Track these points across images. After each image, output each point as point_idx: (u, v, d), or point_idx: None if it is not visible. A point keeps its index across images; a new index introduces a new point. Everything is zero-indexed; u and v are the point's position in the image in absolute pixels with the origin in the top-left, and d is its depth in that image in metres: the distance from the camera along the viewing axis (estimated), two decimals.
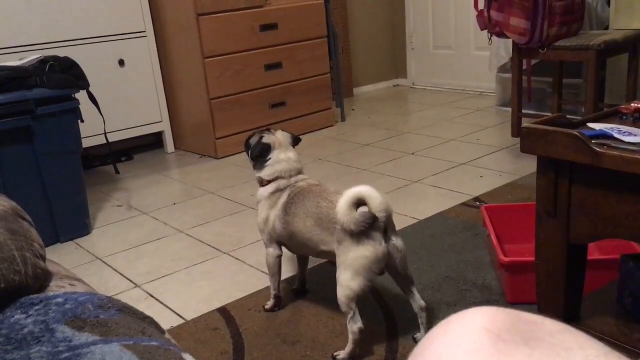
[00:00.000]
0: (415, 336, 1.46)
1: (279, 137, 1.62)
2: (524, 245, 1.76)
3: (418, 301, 1.43)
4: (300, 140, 1.70)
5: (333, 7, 3.88)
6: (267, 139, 1.61)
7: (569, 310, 1.22)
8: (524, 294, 1.50)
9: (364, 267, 1.33)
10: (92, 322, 0.69)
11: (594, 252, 1.71)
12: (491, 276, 1.74)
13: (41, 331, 0.67)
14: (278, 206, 1.55)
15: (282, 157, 1.60)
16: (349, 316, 1.36)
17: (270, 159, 1.60)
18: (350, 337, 1.37)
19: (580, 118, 1.24)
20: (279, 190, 1.57)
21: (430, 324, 1.44)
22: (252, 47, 3.29)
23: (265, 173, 1.60)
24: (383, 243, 1.33)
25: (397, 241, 1.36)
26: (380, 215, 1.30)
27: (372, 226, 1.31)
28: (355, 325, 1.36)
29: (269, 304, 1.67)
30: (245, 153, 1.69)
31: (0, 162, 2.09)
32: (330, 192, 1.48)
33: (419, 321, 1.44)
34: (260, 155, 1.60)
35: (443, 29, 4.52)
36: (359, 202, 1.31)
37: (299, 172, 1.61)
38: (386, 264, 1.36)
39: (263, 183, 1.61)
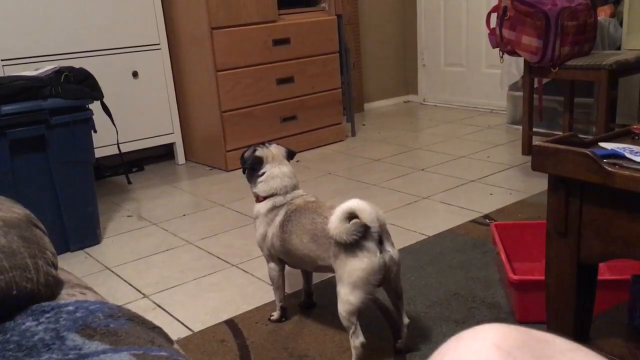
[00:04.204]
0: (397, 344, 1.48)
1: (272, 151, 1.61)
2: (533, 263, 1.75)
3: (403, 317, 1.44)
4: (294, 154, 1.66)
5: (345, 23, 3.91)
6: (260, 152, 1.60)
7: (579, 330, 1.21)
8: (533, 312, 1.49)
9: (361, 280, 1.33)
10: (102, 330, 0.70)
11: (604, 272, 1.69)
12: (500, 294, 1.73)
13: (51, 338, 0.68)
14: (275, 223, 1.55)
15: (276, 173, 1.58)
16: (351, 331, 1.36)
17: (263, 173, 1.59)
18: (354, 352, 1.37)
19: (591, 137, 1.24)
20: (276, 208, 1.57)
21: (410, 339, 1.47)
22: (264, 61, 3.31)
23: (260, 189, 1.59)
24: (378, 254, 1.32)
25: (393, 251, 1.36)
26: (372, 225, 1.30)
27: (366, 237, 1.31)
28: (357, 340, 1.36)
29: (275, 314, 1.68)
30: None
31: (14, 170, 2.11)
32: (325, 207, 1.48)
33: (401, 333, 1.46)
34: (251, 167, 1.59)
35: (454, 46, 4.54)
36: (351, 216, 1.31)
37: (294, 188, 1.60)
38: (383, 275, 1.36)
39: (259, 199, 1.61)
